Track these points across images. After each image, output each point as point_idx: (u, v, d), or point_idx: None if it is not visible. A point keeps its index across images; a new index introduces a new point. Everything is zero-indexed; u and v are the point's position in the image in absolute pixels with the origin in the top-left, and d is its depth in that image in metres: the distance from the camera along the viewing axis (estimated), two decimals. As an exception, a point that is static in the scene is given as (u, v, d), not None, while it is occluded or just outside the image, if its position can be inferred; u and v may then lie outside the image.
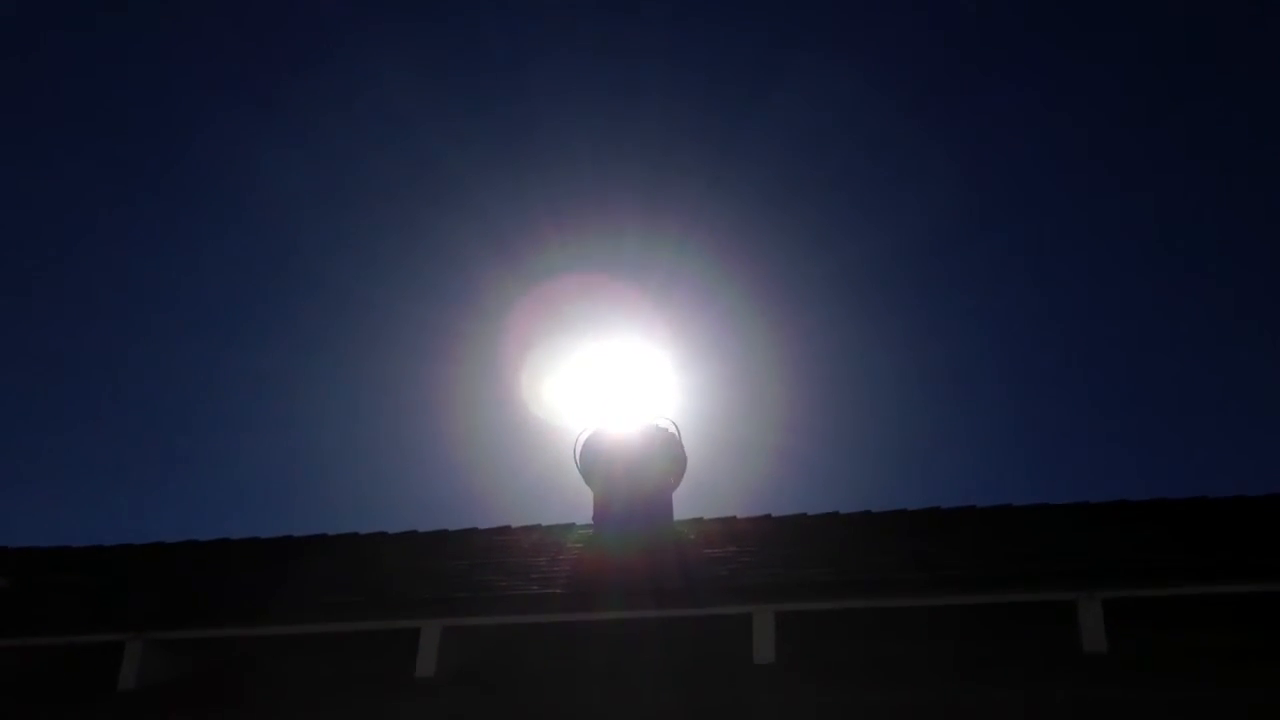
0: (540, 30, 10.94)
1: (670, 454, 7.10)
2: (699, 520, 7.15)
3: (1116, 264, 12.79)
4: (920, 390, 12.55)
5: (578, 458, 7.23)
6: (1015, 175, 12.22)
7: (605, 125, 10.82)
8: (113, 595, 5.82)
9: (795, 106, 10.83)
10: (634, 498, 6.77)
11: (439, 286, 11.56)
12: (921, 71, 11.49)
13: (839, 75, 10.89)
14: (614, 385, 7.69)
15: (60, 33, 11.77)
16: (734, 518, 7.16)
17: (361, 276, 11.71)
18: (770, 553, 5.61)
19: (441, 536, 7.32)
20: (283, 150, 11.08)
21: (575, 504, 7.32)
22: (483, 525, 7.56)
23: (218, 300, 13.20)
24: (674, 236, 9.98)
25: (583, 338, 8.27)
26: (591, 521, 7.01)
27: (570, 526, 7.19)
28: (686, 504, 7.15)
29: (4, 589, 6.05)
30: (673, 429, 7.24)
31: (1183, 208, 12.42)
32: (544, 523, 7.44)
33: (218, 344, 13.09)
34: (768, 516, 7.14)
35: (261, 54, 11.27)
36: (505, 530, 7.32)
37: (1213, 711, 4.47)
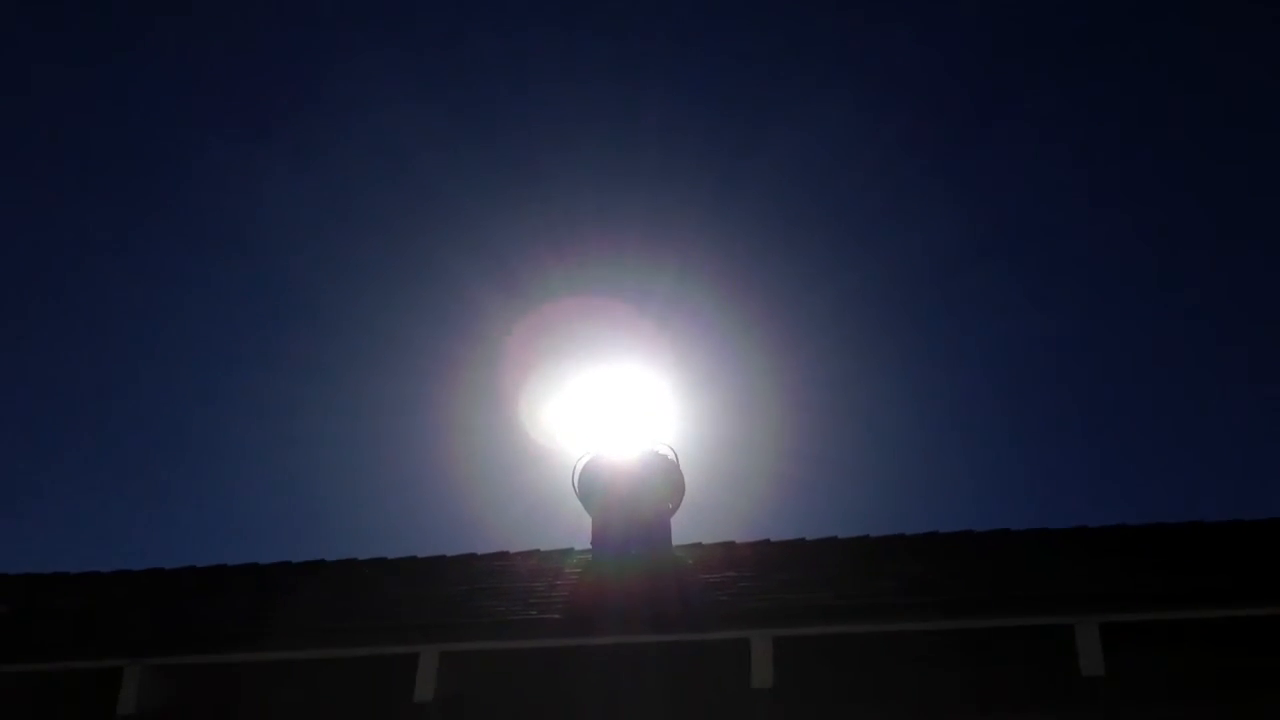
0: (541, 56, 11.01)
1: (668, 479, 7.11)
2: (697, 545, 7.15)
3: (1114, 291, 12.84)
4: (918, 417, 12.57)
5: (576, 483, 7.24)
6: (1015, 205, 12.28)
7: (606, 152, 10.88)
8: (111, 621, 5.82)
9: (796, 136, 10.90)
10: (632, 523, 6.78)
11: (438, 312, 11.60)
12: (922, 103, 11.57)
13: (840, 105, 10.96)
14: (613, 410, 7.70)
15: (58, 66, 11.86)
16: (732, 543, 7.16)
17: (359, 303, 11.75)
18: (768, 578, 5.62)
19: (440, 562, 7.31)
20: (280, 179, 11.15)
21: (573, 529, 7.32)
22: (481, 550, 7.56)
23: (216, 328, 13.25)
24: (674, 262, 10.02)
25: (581, 363, 8.29)
26: (590, 546, 7.01)
27: (568, 551, 7.19)
28: (685, 529, 7.16)
29: (3, 615, 6.05)
30: (671, 454, 7.26)
31: (1180, 232, 12.48)
32: (542, 548, 7.44)
33: (216, 371, 13.13)
34: (766, 541, 7.14)
35: (258, 84, 11.34)
36: (503, 555, 7.31)
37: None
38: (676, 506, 7.22)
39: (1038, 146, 12.03)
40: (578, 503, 7.24)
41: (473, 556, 7.33)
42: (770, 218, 11.31)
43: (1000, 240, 12.51)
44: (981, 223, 12.17)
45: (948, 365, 12.44)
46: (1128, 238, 12.54)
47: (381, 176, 11.20)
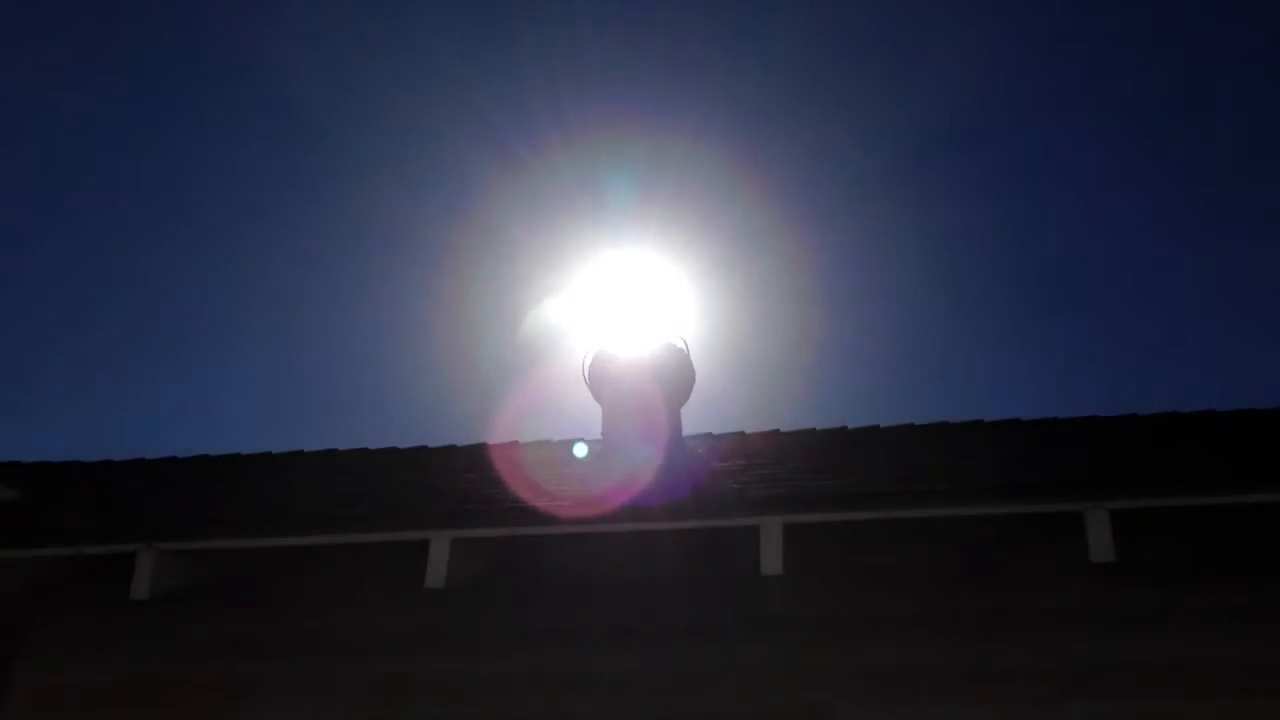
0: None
1: (679, 369, 7.10)
2: (708, 435, 7.17)
3: (1134, 167, 12.59)
4: (929, 304, 12.48)
5: (586, 373, 7.24)
6: (1039, 75, 11.95)
7: (613, 27, 10.63)
8: (125, 507, 5.87)
9: (809, 10, 10.63)
10: (642, 413, 6.78)
11: (445, 200, 11.46)
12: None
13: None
14: (622, 299, 7.67)
15: None
16: (743, 432, 7.18)
17: (362, 189, 11.61)
18: (779, 466, 5.63)
19: (450, 451, 7.35)
20: (280, 50, 10.89)
21: (583, 420, 7.34)
22: (491, 440, 7.60)
23: (222, 212, 13.11)
24: (685, 144, 9.86)
25: (590, 250, 8.23)
26: (600, 436, 7.03)
27: (579, 441, 7.22)
28: (695, 420, 7.17)
29: (17, 501, 6.10)
30: (681, 344, 7.24)
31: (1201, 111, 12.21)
32: (552, 438, 7.47)
33: (222, 257, 13.03)
34: (776, 431, 7.16)
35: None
36: (514, 445, 7.35)
37: (1221, 619, 4.52)
38: (686, 397, 7.22)
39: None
40: (588, 393, 7.25)
41: (483, 446, 7.36)
42: (782, 96, 11.09)
43: (1016, 111, 12.23)
44: (998, 95, 11.89)
45: (963, 248, 12.29)
46: (1143, 110, 12.24)
47: (380, 54, 10.93)
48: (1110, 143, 12.50)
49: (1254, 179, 12.42)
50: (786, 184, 11.00)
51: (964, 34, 10.90)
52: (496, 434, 7.61)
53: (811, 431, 7.10)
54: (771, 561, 4.43)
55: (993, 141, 12.17)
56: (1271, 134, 12.08)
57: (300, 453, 7.70)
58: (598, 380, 7.16)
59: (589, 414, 7.26)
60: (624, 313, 7.58)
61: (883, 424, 7.15)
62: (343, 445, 7.70)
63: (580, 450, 6.51)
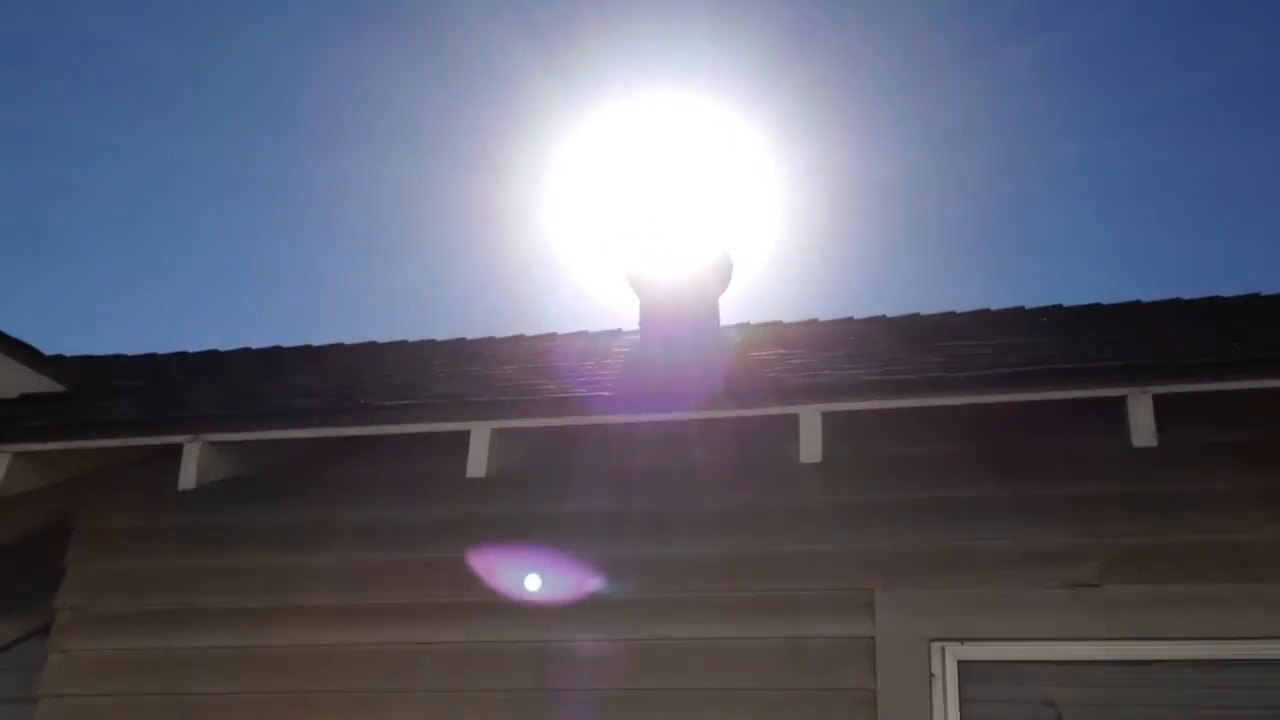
0: None
1: (717, 259, 7.05)
2: (745, 325, 7.16)
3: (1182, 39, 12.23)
4: (966, 192, 12.33)
5: (624, 264, 7.21)
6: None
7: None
8: (170, 400, 5.94)
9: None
10: (680, 303, 6.76)
11: (477, 88, 11.36)
12: None
13: None
14: (661, 190, 7.60)
15: None
16: (780, 322, 7.16)
17: (396, 84, 11.51)
18: (817, 355, 5.61)
19: (488, 343, 7.38)
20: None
21: (621, 311, 7.33)
22: (529, 333, 7.62)
23: (268, 100, 13.03)
24: (727, 28, 9.68)
25: (628, 140, 8.14)
26: (638, 327, 7.03)
27: (617, 333, 7.22)
28: (733, 310, 7.14)
29: (64, 395, 6.18)
30: (720, 235, 7.18)
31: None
32: (590, 329, 7.48)
33: (265, 148, 13.01)
34: (814, 321, 7.14)
35: None
36: (551, 337, 7.37)
37: (1264, 503, 4.50)
38: (724, 287, 7.18)
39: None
40: (625, 285, 7.22)
41: (521, 338, 7.39)
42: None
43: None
44: None
45: (990, 136, 12.06)
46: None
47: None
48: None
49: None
50: (835, 68, 10.81)
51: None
52: (535, 326, 7.64)
53: (849, 320, 7.07)
54: (811, 450, 4.43)
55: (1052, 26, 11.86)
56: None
57: (340, 345, 7.75)
58: (635, 271, 7.13)
59: (627, 306, 7.25)
60: (663, 204, 7.51)
61: (922, 312, 7.11)
62: (381, 338, 7.76)
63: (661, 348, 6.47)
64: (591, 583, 4.93)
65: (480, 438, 4.70)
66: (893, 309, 7.20)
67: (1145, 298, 6.63)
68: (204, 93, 12.96)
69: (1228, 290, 6.68)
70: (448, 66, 11.57)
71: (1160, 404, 4.19)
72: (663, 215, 7.46)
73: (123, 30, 11.66)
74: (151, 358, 7.90)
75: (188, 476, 4.85)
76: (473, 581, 5.04)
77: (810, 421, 4.46)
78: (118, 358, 7.95)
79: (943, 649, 4.58)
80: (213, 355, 7.81)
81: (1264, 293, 6.49)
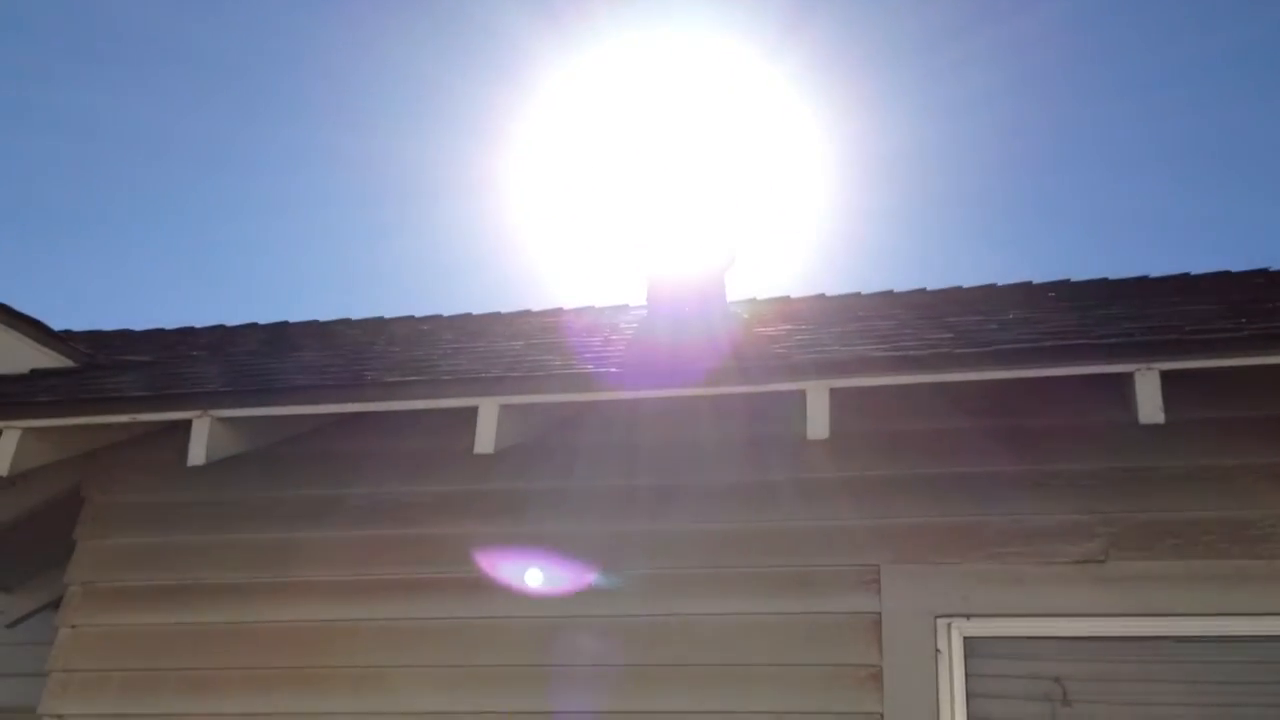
0: None
1: (725, 234, 7.04)
2: (752, 301, 7.16)
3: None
4: (973, 167, 12.28)
5: (630, 239, 7.19)
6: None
7: None
8: (178, 375, 5.95)
9: None
10: (687, 279, 6.75)
11: (483, 60, 11.32)
12: None
13: None
14: (669, 164, 7.58)
15: None
16: (788, 297, 7.16)
17: (405, 56, 11.47)
18: (824, 331, 5.61)
19: (496, 318, 7.40)
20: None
21: (628, 287, 7.33)
22: (535, 308, 7.63)
23: (284, 77, 13.00)
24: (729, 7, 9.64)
25: (634, 115, 8.12)
26: (645, 303, 7.02)
27: (623, 308, 7.23)
28: (740, 285, 7.14)
29: (73, 370, 6.20)
30: (727, 208, 7.17)
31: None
32: (596, 304, 7.48)
33: (274, 122, 12.99)
34: (821, 296, 7.14)
35: None
36: (558, 312, 7.38)
37: (1270, 479, 4.50)
38: (732, 262, 7.17)
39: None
40: (632, 261, 7.21)
41: (528, 313, 7.41)
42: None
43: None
44: None
45: (1001, 107, 11.99)
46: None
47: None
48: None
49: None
50: (844, 38, 10.75)
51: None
52: (542, 301, 7.64)
53: (857, 296, 7.08)
54: (818, 426, 4.43)
55: None
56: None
57: (347, 320, 7.77)
58: (642, 246, 7.11)
59: (634, 281, 7.25)
60: (669, 177, 7.49)
61: (929, 287, 7.11)
62: (388, 314, 7.77)
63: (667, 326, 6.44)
64: (598, 559, 4.95)
65: (488, 414, 4.71)
66: (900, 284, 7.21)
67: (1154, 272, 6.63)
68: (205, 65, 12.92)
69: (1238, 264, 6.67)
70: (449, 35, 11.55)
71: (1168, 380, 4.18)
72: (669, 189, 7.44)
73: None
74: (159, 333, 7.93)
75: (197, 453, 4.87)
76: (480, 558, 5.06)
77: (817, 398, 4.46)
78: (125, 333, 7.97)
79: (949, 625, 4.58)
80: (220, 331, 7.83)
81: (1272, 268, 6.48)
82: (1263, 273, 6.51)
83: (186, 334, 7.88)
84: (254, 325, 7.86)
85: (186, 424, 4.92)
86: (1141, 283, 6.59)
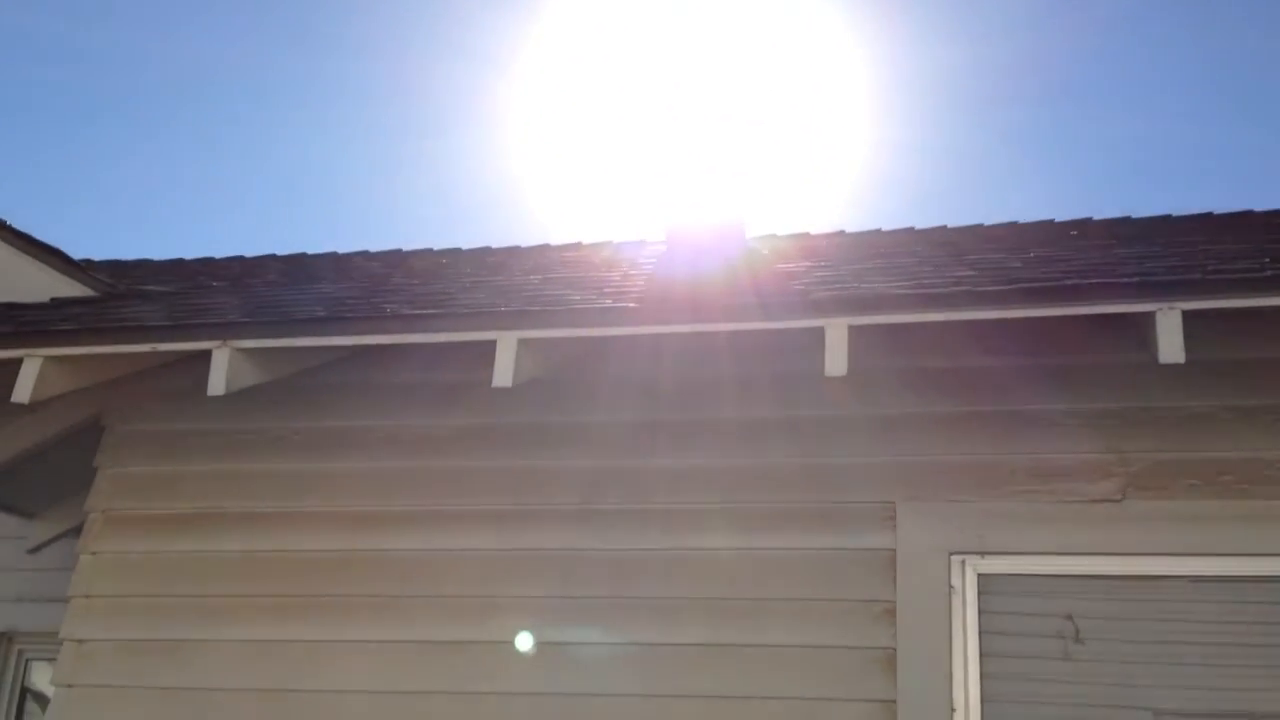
0: None
1: (745, 168, 6.99)
2: (772, 236, 7.12)
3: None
4: (995, 102, 12.14)
5: (650, 172, 7.15)
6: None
7: None
8: (198, 305, 5.97)
9: None
10: (706, 214, 6.71)
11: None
12: None
13: None
14: (689, 98, 7.51)
15: None
16: (807, 234, 7.13)
17: None
18: (844, 267, 5.58)
19: (514, 252, 7.38)
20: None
21: (647, 221, 7.30)
22: (554, 243, 7.60)
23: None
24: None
25: (657, 37, 8.04)
26: (664, 238, 6.99)
27: (642, 244, 7.20)
28: (761, 220, 7.11)
29: (93, 299, 6.22)
30: (748, 143, 7.11)
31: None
32: (615, 239, 7.45)
33: (301, 54, 12.92)
34: (841, 232, 7.10)
35: None
36: (577, 246, 7.35)
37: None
38: (753, 197, 7.13)
39: None
40: (652, 193, 7.17)
41: (547, 247, 7.38)
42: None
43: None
44: None
45: (1023, 37, 11.84)
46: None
47: None
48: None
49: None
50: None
51: None
52: (560, 235, 7.61)
53: (878, 232, 7.04)
54: (836, 363, 4.42)
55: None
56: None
57: (365, 253, 7.76)
58: (661, 181, 7.07)
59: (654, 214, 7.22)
60: (689, 111, 7.43)
61: (950, 224, 7.06)
62: (406, 246, 7.76)
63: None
64: (618, 494, 4.97)
65: (506, 347, 4.71)
66: (921, 220, 7.16)
67: (1177, 210, 6.57)
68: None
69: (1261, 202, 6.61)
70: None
71: (1189, 320, 4.15)
72: (689, 123, 7.39)
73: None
74: (178, 263, 7.94)
75: (216, 383, 4.89)
76: (500, 489, 5.10)
77: (837, 335, 4.44)
78: (145, 262, 7.98)
79: (963, 562, 4.61)
80: (239, 261, 7.84)
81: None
82: (1285, 213, 6.45)
83: (206, 264, 7.89)
84: (273, 256, 7.86)
85: (206, 354, 4.93)
86: (1165, 221, 6.54)
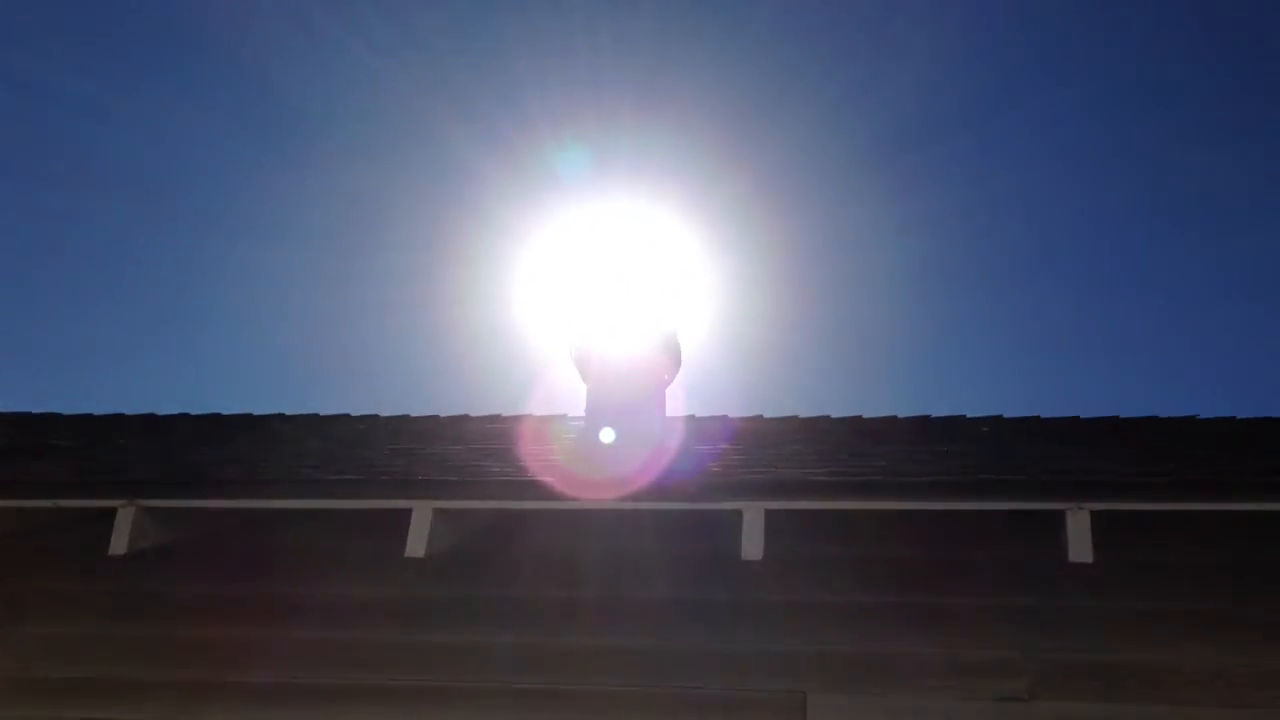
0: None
1: (666, 351, 7.10)
2: (691, 418, 7.19)
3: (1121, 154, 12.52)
4: (917, 295, 12.51)
5: (572, 352, 7.23)
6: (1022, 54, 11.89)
7: (601, 21, 10.56)
8: (106, 462, 5.84)
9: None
10: (627, 393, 6.78)
11: (435, 183, 11.47)
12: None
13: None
14: (612, 281, 7.66)
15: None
16: (726, 416, 7.20)
17: (359, 175, 11.59)
18: (762, 452, 5.64)
19: (434, 421, 7.35)
20: (269, 34, 10.87)
21: (568, 398, 7.35)
22: (474, 413, 7.60)
23: (223, 194, 13.12)
24: (671, 130, 9.86)
25: (579, 233, 8.22)
26: (584, 414, 7.03)
27: (562, 418, 7.23)
28: (680, 402, 7.19)
29: (-4, 451, 6.08)
30: (669, 327, 7.24)
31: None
32: (535, 413, 7.47)
33: (225, 236, 13.03)
34: (760, 416, 7.18)
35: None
36: (497, 419, 7.35)
37: (1195, 625, 4.56)
38: (672, 378, 7.22)
39: None
40: (573, 372, 7.24)
41: (467, 418, 7.37)
42: (766, 83, 11.04)
43: (998, 98, 12.16)
44: (977, 79, 11.84)
45: (953, 232, 12.25)
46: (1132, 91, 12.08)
47: (381, 51, 10.87)
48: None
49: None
50: (774, 170, 10.99)
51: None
52: (483, 409, 7.62)
53: (795, 418, 7.13)
54: (753, 547, 4.44)
55: (976, 124, 12.12)
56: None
57: (282, 415, 7.68)
58: (584, 359, 7.15)
59: (574, 394, 7.26)
60: (613, 294, 7.57)
61: (865, 415, 7.18)
62: (325, 411, 7.70)
63: (607, 436, 6.42)
64: (529, 669, 4.87)
65: (421, 517, 4.66)
66: (839, 408, 7.28)
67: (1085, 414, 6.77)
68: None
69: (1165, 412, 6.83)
70: (406, 162, 11.71)
71: (1097, 520, 4.24)
72: (611, 302, 7.51)
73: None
74: (87, 418, 7.78)
75: (119, 542, 4.76)
76: (405, 664, 4.96)
77: (754, 518, 4.48)
78: (51, 416, 7.82)
79: (873, 756, 4.55)
80: (150, 419, 7.71)
81: (1200, 416, 6.65)
82: (1191, 420, 6.66)
83: (115, 420, 7.75)
84: (185, 415, 7.74)
85: (110, 512, 4.81)
86: (1074, 423, 6.72)
